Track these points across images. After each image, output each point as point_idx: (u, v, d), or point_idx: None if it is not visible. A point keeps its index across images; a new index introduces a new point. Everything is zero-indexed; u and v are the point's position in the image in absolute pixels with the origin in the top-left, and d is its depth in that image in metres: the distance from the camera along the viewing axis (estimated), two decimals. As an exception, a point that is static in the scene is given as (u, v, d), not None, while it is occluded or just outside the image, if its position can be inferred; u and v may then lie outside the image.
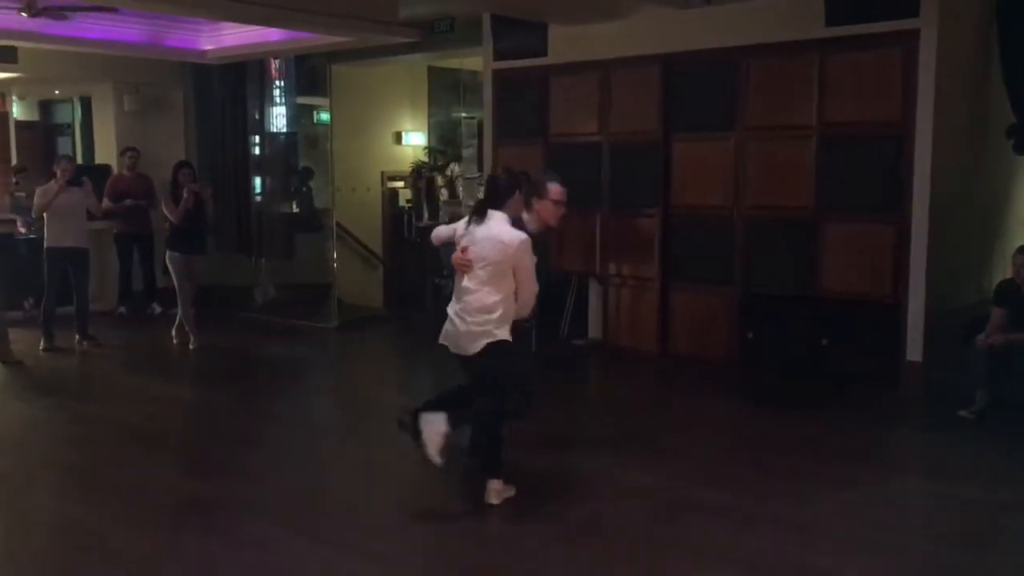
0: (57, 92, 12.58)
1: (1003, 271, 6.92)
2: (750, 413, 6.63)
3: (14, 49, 9.76)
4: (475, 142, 11.18)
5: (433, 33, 9.32)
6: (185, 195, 8.49)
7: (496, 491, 4.66)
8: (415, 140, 11.86)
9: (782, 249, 7.41)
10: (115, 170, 10.68)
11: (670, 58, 7.89)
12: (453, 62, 10.99)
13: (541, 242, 4.95)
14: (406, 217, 11.14)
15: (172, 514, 4.71)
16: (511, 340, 4.63)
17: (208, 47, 10.05)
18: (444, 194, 11.04)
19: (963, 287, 7.63)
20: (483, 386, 4.71)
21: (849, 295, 7.14)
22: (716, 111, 7.69)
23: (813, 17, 7.07)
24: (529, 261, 4.63)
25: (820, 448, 5.74)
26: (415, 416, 4.57)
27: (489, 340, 4.59)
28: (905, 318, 6.94)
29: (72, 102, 12.69)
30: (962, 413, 6.24)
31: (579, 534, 4.39)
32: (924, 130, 6.74)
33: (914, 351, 6.93)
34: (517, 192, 4.78)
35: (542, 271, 4.84)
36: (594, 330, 8.78)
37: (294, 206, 11.63)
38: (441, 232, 5.09)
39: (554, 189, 5.09)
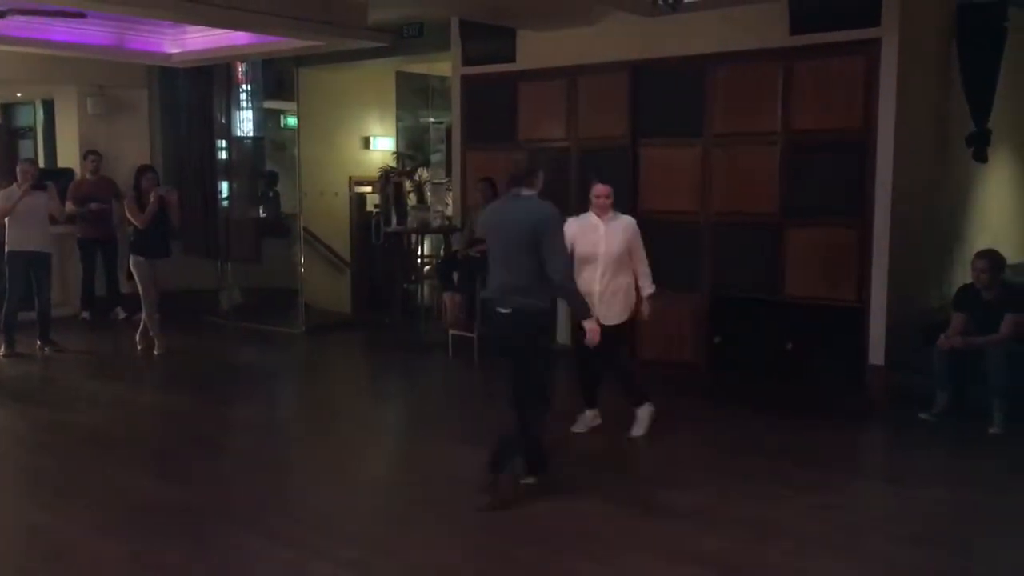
0: (19, 95, 12.41)
1: (964, 276, 7.04)
2: (715, 417, 6.69)
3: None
4: (443, 147, 11.20)
5: (401, 38, 9.32)
6: (152, 199, 8.42)
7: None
8: (383, 145, 11.84)
9: (748, 254, 7.49)
10: (78, 174, 10.56)
11: (637, 65, 7.95)
12: (421, 67, 11.01)
13: None
14: (374, 222, 11.11)
15: (139, 520, 4.65)
16: None
17: (173, 50, 9.96)
18: (412, 199, 11.03)
19: (925, 292, 7.76)
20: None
21: (813, 299, 7.23)
22: (683, 118, 7.75)
23: (778, 26, 7.17)
24: None
25: (784, 451, 5.81)
26: None
27: None
28: (867, 322, 7.05)
29: (34, 105, 12.52)
30: (923, 415, 6.36)
31: (547, 536, 4.41)
32: (886, 137, 6.85)
33: (876, 354, 7.03)
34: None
35: None
36: (562, 336, 8.80)
37: (261, 211, 11.56)
38: None
39: None
